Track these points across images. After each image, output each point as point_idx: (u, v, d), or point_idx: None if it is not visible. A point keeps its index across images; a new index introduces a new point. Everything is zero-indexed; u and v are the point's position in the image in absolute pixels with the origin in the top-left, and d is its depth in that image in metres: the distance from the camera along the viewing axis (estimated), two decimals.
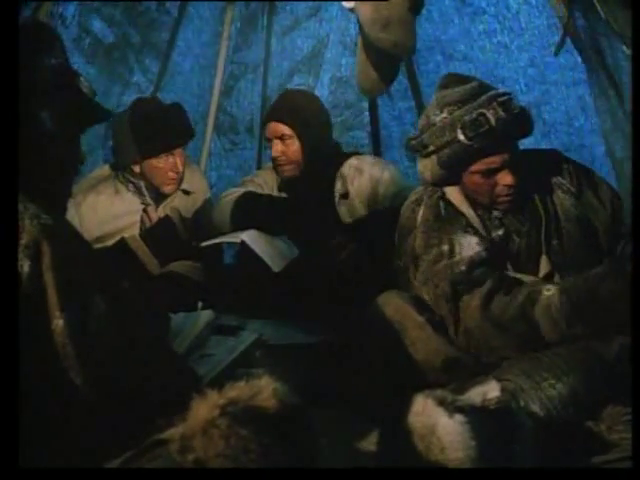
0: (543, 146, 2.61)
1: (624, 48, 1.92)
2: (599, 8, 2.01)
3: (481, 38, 3.53)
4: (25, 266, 1.57)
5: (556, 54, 2.69)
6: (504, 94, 2.42)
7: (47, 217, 1.62)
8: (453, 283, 2.40)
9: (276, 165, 3.22)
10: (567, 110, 3.35)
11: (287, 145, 3.18)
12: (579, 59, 3.06)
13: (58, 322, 1.59)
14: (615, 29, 1.97)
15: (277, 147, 3.18)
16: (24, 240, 1.58)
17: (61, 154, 1.77)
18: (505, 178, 2.41)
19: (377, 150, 4.13)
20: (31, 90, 1.70)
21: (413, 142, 2.51)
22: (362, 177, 3.24)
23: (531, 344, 2.32)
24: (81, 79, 1.81)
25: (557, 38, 3.15)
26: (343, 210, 3.21)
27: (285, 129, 3.18)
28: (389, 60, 2.84)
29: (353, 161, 3.28)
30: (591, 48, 2.19)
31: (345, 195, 3.23)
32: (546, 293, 2.32)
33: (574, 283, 2.32)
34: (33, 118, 1.70)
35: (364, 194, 3.21)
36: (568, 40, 2.86)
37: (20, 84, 1.67)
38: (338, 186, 3.23)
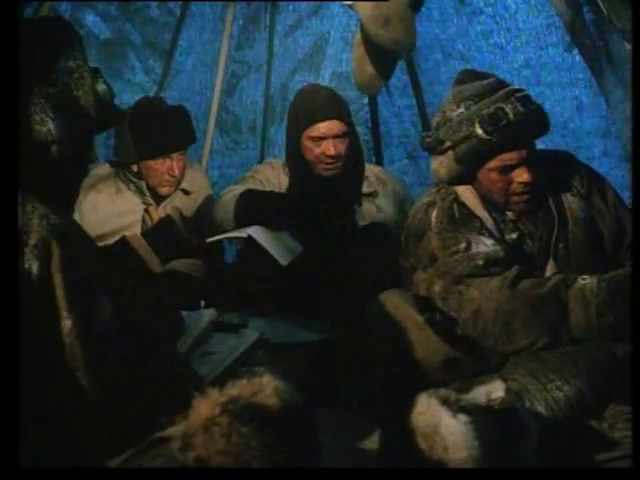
0: (538, 147, 2.61)
1: (625, 44, 1.92)
2: (601, 5, 2.00)
3: (478, 39, 3.53)
4: (34, 266, 1.57)
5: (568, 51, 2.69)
6: (521, 90, 2.41)
7: (56, 217, 1.62)
8: (469, 274, 2.38)
9: (327, 165, 3.15)
10: (562, 112, 3.34)
11: (342, 142, 3.14)
12: (576, 59, 3.06)
13: (66, 322, 1.59)
14: (617, 26, 1.97)
15: (337, 146, 3.12)
16: (33, 240, 1.58)
17: (73, 156, 1.76)
18: (522, 175, 2.38)
19: (377, 147, 4.12)
20: (44, 92, 1.69)
21: (428, 140, 2.47)
22: (386, 188, 3.29)
23: (555, 328, 2.30)
24: (99, 80, 1.80)
25: (555, 38, 3.15)
26: (368, 207, 3.22)
27: (344, 127, 3.14)
28: (388, 57, 2.84)
29: (373, 168, 3.36)
30: (596, 45, 2.19)
31: (373, 194, 3.25)
32: (581, 281, 2.31)
33: (614, 275, 2.32)
34: (44, 120, 1.69)
35: (388, 206, 3.25)
36: (565, 40, 2.85)
37: (33, 85, 1.68)
38: (364, 186, 3.25)
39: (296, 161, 3.24)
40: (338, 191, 3.17)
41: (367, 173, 3.30)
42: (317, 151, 3.14)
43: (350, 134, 3.18)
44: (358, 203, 3.22)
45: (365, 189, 3.26)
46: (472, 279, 2.38)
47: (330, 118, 3.13)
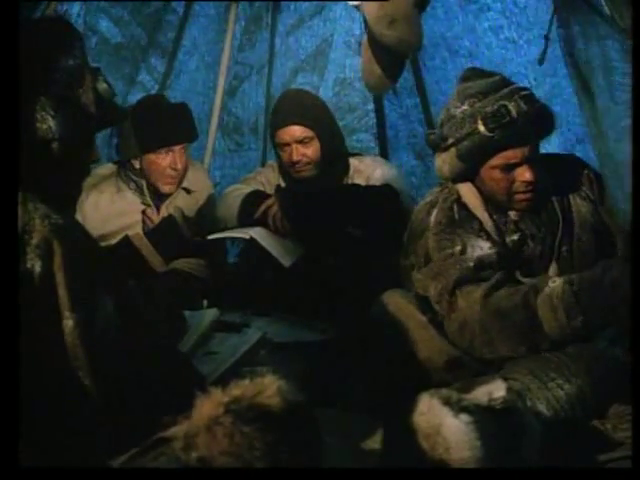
0: (556, 138, 2.57)
1: (629, 43, 1.93)
2: (604, 5, 2.01)
3: (487, 35, 3.51)
4: (36, 266, 1.58)
5: (540, 64, 2.69)
6: (526, 89, 2.41)
7: (57, 217, 1.63)
8: (459, 278, 2.38)
9: (296, 169, 3.18)
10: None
11: (307, 147, 3.16)
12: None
13: (68, 322, 1.59)
14: (621, 26, 1.97)
15: (299, 150, 3.14)
16: (35, 240, 1.59)
17: (73, 155, 1.77)
18: (524, 174, 2.38)
19: (384, 151, 4.12)
20: (45, 91, 1.70)
21: (432, 136, 2.48)
22: (360, 178, 3.27)
23: (530, 336, 2.30)
24: (100, 79, 1.81)
25: None
26: None
27: (307, 132, 3.14)
28: (395, 57, 2.83)
29: (354, 162, 3.33)
30: (573, 55, 2.20)
31: None
32: (551, 284, 2.30)
33: (580, 275, 2.30)
34: (45, 118, 1.70)
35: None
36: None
37: (34, 84, 1.68)
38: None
39: (279, 165, 3.30)
40: (316, 193, 3.16)
41: (352, 171, 3.29)
42: (285, 156, 3.18)
43: (321, 137, 3.17)
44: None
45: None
46: (461, 288, 2.38)
47: (289, 124, 3.15)
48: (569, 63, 2.25)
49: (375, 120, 4.14)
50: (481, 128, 2.34)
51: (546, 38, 2.40)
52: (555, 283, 2.29)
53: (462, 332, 2.37)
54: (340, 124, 3.71)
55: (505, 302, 2.32)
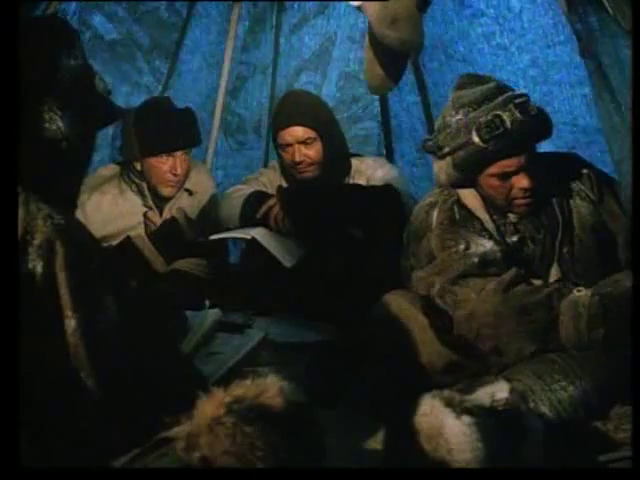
0: (548, 146, 2.57)
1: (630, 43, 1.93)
2: (607, 5, 2.00)
3: (480, 41, 3.50)
4: (38, 266, 1.58)
5: (582, 56, 2.68)
6: (521, 95, 2.37)
7: (60, 217, 1.63)
8: (463, 272, 2.37)
9: (298, 170, 3.18)
10: (571, 109, 3.31)
11: (309, 147, 3.16)
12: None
13: (70, 322, 1.59)
14: (623, 26, 1.97)
15: (302, 151, 3.14)
16: (37, 240, 1.59)
17: (78, 154, 1.78)
18: (521, 181, 2.36)
19: (388, 140, 4.12)
20: (48, 90, 1.71)
21: (429, 143, 2.46)
22: (361, 178, 3.28)
23: (542, 337, 2.27)
24: (97, 78, 1.82)
25: (562, 36, 3.13)
26: None
27: (309, 132, 3.14)
28: (396, 57, 2.83)
29: (356, 162, 3.34)
30: (591, 48, 2.18)
31: None
32: (576, 293, 2.27)
33: (609, 290, 2.25)
34: (53, 119, 1.70)
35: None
36: (573, 38, 2.83)
37: (38, 85, 1.69)
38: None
39: (281, 166, 3.30)
40: (318, 193, 3.16)
41: (353, 172, 3.30)
42: (287, 157, 3.18)
43: (323, 138, 3.17)
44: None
45: None
46: (467, 280, 2.37)
47: (291, 125, 3.15)
48: (587, 55, 2.24)
49: (379, 108, 4.13)
50: (475, 139, 2.32)
51: (577, 32, 2.38)
52: (581, 292, 2.26)
53: (470, 323, 2.33)
54: (345, 114, 3.70)
55: (528, 299, 2.30)
